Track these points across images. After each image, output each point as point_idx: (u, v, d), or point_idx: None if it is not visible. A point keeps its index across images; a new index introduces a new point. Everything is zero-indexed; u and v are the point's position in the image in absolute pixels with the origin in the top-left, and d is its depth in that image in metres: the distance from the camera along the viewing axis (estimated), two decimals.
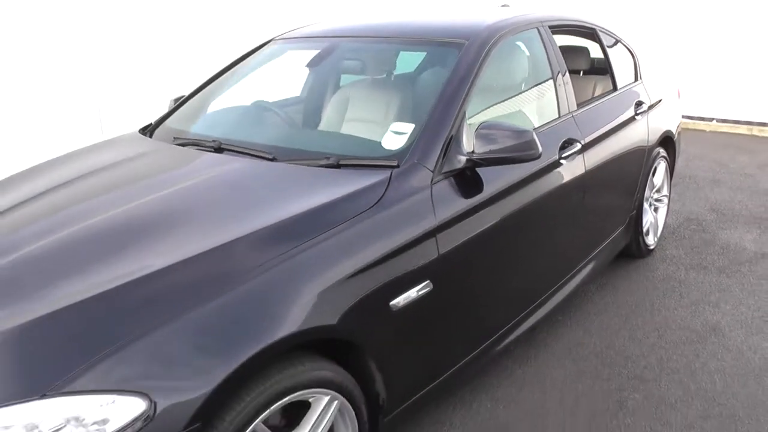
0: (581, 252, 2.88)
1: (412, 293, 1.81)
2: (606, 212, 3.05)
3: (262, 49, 3.12)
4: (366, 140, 2.27)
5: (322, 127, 2.55)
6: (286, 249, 1.59)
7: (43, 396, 1.27)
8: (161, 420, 1.30)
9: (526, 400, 2.43)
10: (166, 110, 3.09)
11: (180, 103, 2.98)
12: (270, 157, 2.14)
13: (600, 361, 2.68)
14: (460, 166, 2.04)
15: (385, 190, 1.86)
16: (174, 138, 2.55)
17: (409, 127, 2.12)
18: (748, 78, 6.62)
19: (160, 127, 2.81)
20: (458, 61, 2.30)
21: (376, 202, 1.81)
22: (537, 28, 2.76)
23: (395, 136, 2.11)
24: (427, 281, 1.86)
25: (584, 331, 2.91)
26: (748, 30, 6.54)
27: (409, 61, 2.79)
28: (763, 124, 6.57)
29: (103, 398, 1.28)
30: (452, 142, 2.05)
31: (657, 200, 3.75)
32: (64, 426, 1.25)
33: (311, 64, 2.90)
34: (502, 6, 3.93)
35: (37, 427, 1.25)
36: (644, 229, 3.56)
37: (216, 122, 2.76)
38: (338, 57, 2.80)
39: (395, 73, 2.79)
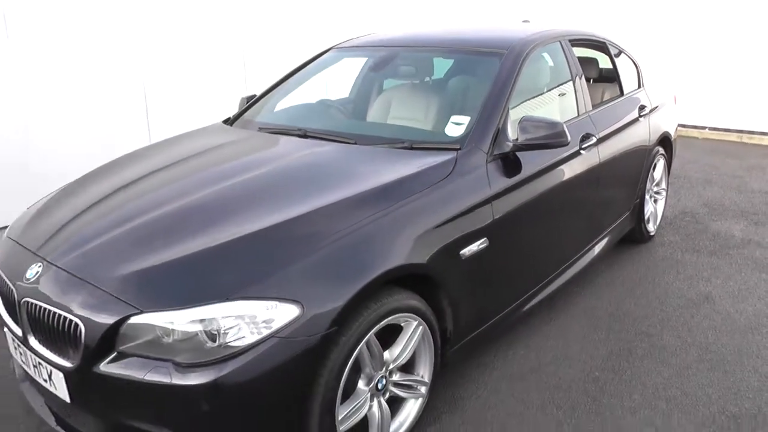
0: (597, 227, 3.41)
1: (474, 246, 2.32)
2: (616, 197, 3.58)
3: (322, 56, 3.64)
4: (432, 129, 2.79)
5: (387, 120, 3.05)
6: (388, 205, 2.11)
7: (227, 299, 1.76)
8: (309, 323, 1.79)
9: (553, 347, 2.94)
10: (237, 107, 3.62)
11: (254, 100, 3.49)
12: (352, 141, 2.66)
13: (611, 320, 3.19)
14: (507, 150, 2.56)
15: (454, 165, 2.38)
16: (259, 127, 3.06)
17: (465, 119, 2.64)
18: (738, 89, 7.20)
19: (240, 119, 3.33)
20: (500, 67, 2.83)
21: (448, 174, 2.33)
22: (559, 41, 3.30)
23: (455, 126, 2.63)
24: (485, 238, 2.37)
25: (596, 299, 3.43)
26: (739, 43, 7.12)
27: (455, 66, 3.32)
28: (752, 132, 7.15)
29: (269, 303, 1.76)
30: (500, 132, 2.57)
31: (656, 192, 4.28)
32: (242, 322, 1.74)
33: (374, 68, 3.42)
34: (524, 21, 4.48)
35: (217, 320, 1.72)
36: (646, 217, 4.09)
37: (290, 115, 3.27)
38: (396, 62, 3.32)
39: (444, 75, 3.31)
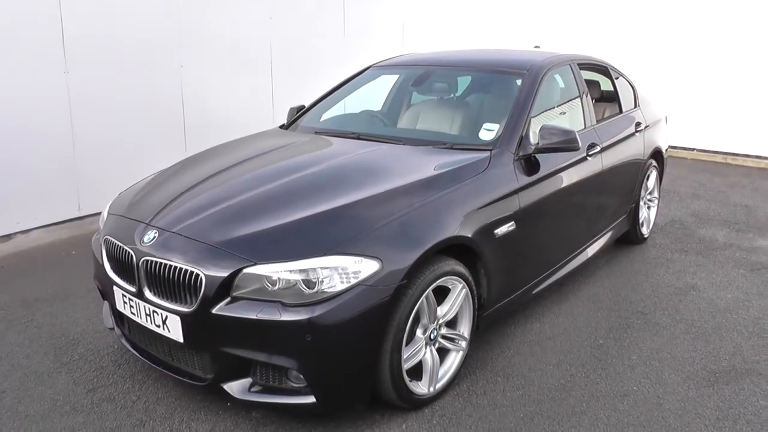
0: (600, 224, 3.98)
1: (505, 228, 2.88)
2: (615, 200, 4.16)
3: (362, 73, 4.22)
4: (467, 134, 3.37)
5: (425, 126, 3.62)
6: (443, 189, 2.67)
7: (324, 254, 2.28)
8: (386, 276, 2.31)
9: (563, 322, 3.48)
10: (287, 116, 4.18)
11: (304, 110, 4.06)
12: (401, 142, 3.23)
13: (611, 303, 3.74)
14: (529, 152, 3.13)
15: (489, 162, 2.95)
16: (315, 131, 3.63)
17: (495, 126, 3.22)
18: (724, 114, 7.85)
19: (294, 125, 3.89)
20: (522, 85, 3.42)
21: (485, 169, 2.90)
22: (570, 64, 3.90)
23: (487, 132, 3.21)
24: (513, 222, 2.93)
25: (598, 287, 3.98)
26: (726, 72, 7.79)
27: (482, 82, 3.90)
28: (735, 154, 7.79)
29: (356, 258, 2.29)
30: (524, 137, 3.15)
31: (650, 200, 4.87)
32: (335, 273, 2.25)
33: (415, 84, 4.00)
34: (535, 47, 5.09)
35: (316, 270, 2.23)
36: (640, 221, 4.67)
37: (339, 122, 3.84)
38: (431, 79, 3.91)
39: (473, 90, 3.89)
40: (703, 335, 3.36)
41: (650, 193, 4.85)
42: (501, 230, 2.85)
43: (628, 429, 2.54)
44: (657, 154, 4.79)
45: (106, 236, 2.73)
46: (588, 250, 3.90)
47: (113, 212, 2.92)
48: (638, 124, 4.47)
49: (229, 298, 2.27)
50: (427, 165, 2.90)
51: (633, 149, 4.31)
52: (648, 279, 4.12)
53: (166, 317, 2.38)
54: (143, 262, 2.46)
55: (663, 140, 4.92)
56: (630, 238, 4.65)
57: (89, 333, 3.34)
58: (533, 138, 3.18)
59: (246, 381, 2.34)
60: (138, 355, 2.71)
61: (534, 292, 3.34)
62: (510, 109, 3.28)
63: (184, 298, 2.35)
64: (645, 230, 4.80)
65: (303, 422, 2.52)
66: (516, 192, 2.98)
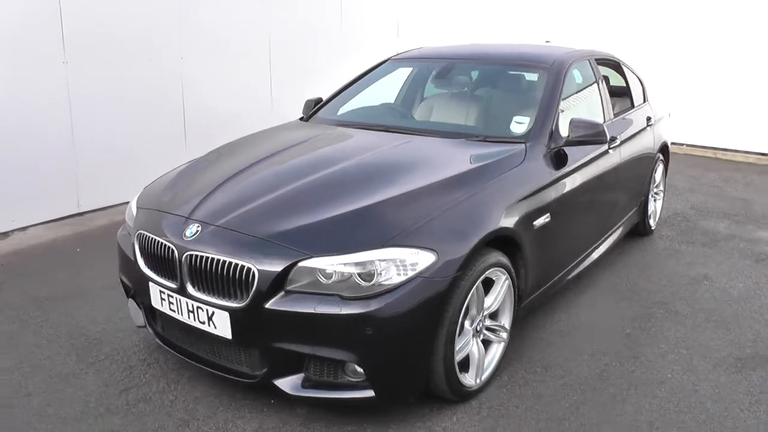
0: (617, 216, 4.03)
1: (542, 219, 2.88)
2: (631, 192, 4.21)
3: (380, 66, 4.18)
4: (498, 126, 3.37)
5: (453, 119, 3.59)
6: (486, 180, 2.66)
7: (382, 246, 2.25)
8: (442, 267, 2.29)
9: (588, 313, 3.51)
10: (303, 108, 4.12)
11: (323, 103, 4.01)
12: (432, 135, 3.22)
13: (631, 294, 3.79)
14: (560, 144, 3.14)
15: (525, 155, 2.95)
16: (339, 124, 3.59)
17: (525, 119, 3.23)
18: (711, 110, 8.02)
19: (314, 117, 3.85)
20: (548, 78, 3.43)
21: (522, 161, 2.90)
22: (588, 59, 3.93)
23: (518, 125, 3.21)
24: (548, 213, 2.94)
25: (615, 278, 4.02)
26: (713, 69, 7.96)
27: (507, 76, 3.90)
28: (725, 149, 7.97)
29: (414, 250, 2.26)
30: (555, 130, 3.16)
31: (656, 193, 4.95)
32: (392, 265, 2.21)
33: (438, 76, 3.97)
34: (546, 42, 5.11)
35: (374, 263, 2.19)
36: (649, 213, 4.74)
37: (363, 114, 3.81)
38: (456, 71, 3.90)
39: (498, 83, 3.89)
40: (723, 323, 3.42)
41: (657, 186, 4.92)
42: (538, 222, 2.86)
43: (671, 415, 2.57)
44: (664, 148, 4.87)
45: (140, 231, 2.64)
46: (607, 241, 3.94)
47: (144, 206, 2.83)
48: (649, 118, 4.53)
49: (282, 293, 2.22)
50: (465, 157, 2.88)
51: (645, 143, 4.37)
52: (662, 270, 4.19)
53: (213, 313, 2.32)
54: (187, 257, 2.38)
55: (668, 135, 5.00)
56: (639, 230, 4.71)
57: (110, 332, 3.25)
58: (563, 131, 3.20)
59: (298, 377, 2.30)
60: (175, 353, 2.64)
61: (562, 283, 3.36)
62: (539, 102, 3.29)
63: (233, 294, 2.29)
64: (652, 222, 4.87)
65: (351, 417, 2.49)
66: (550, 184, 2.99)
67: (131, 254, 2.71)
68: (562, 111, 3.35)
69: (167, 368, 2.88)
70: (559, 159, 3.15)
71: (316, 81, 6.83)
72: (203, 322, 2.36)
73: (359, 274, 2.19)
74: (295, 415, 2.50)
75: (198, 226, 2.44)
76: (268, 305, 2.21)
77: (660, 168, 4.87)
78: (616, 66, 4.49)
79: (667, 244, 4.70)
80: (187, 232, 2.43)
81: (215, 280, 2.33)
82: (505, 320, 2.78)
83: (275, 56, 6.51)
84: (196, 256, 2.36)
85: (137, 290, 2.74)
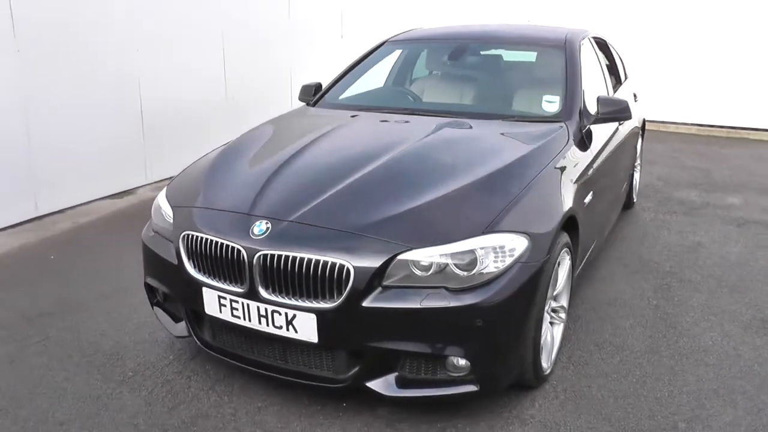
0: (622, 187, 4.14)
1: (588, 197, 2.89)
2: (627, 165, 4.34)
3: (378, 49, 4.03)
4: (528, 106, 3.33)
5: (478, 101, 3.50)
6: (545, 163, 2.60)
7: (482, 233, 2.14)
8: (535, 251, 2.21)
9: (610, 288, 3.57)
10: (299, 93, 3.90)
11: (328, 87, 3.81)
12: (465, 116, 3.13)
13: (639, 266, 3.90)
14: (590, 122, 3.15)
15: (568, 134, 2.93)
16: (359, 108, 3.45)
17: (555, 98, 3.21)
18: (653, 84, 8.44)
19: (320, 102, 3.65)
20: (567, 57, 3.43)
21: (568, 140, 2.88)
22: (588, 38, 3.96)
23: (549, 104, 3.19)
24: (592, 191, 2.94)
25: (619, 251, 4.13)
26: (659, 43, 8.35)
27: (521, 55, 3.87)
28: (665, 122, 8.42)
29: (511, 235, 2.17)
30: (584, 108, 3.17)
31: (635, 166, 5.12)
32: (491, 252, 2.11)
33: (451, 57, 3.87)
34: (527, 21, 5.10)
35: (475, 251, 2.09)
36: (634, 185, 4.91)
37: (380, 98, 3.68)
38: (469, 52, 3.82)
39: (514, 63, 3.85)
40: (735, 288, 3.60)
41: (637, 159, 5.10)
42: (587, 200, 2.86)
43: (729, 382, 2.66)
44: (643, 122, 5.04)
45: (187, 232, 2.39)
46: (616, 213, 4.04)
47: (182, 204, 2.56)
48: (635, 94, 4.67)
49: (380, 289, 2.07)
50: (518, 138, 2.84)
51: (635, 118, 4.49)
52: (658, 240, 4.35)
53: (294, 317, 2.13)
54: (260, 257, 2.17)
55: (644, 110, 5.18)
56: (625, 203, 4.87)
57: (127, 345, 2.95)
58: (590, 108, 3.21)
59: (391, 377, 2.17)
60: (233, 361, 2.43)
61: (590, 259, 3.39)
62: (563, 81, 3.28)
63: (321, 294, 2.11)
64: (634, 195, 5.05)
65: (436, 414, 2.38)
66: (592, 162, 3.00)
67: (171, 257, 2.44)
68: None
69: (212, 379, 2.65)
70: (589, 136, 3.16)
71: (266, 67, 6.61)
72: (279, 327, 2.17)
73: (458, 264, 2.08)
74: (376, 417, 2.37)
75: (267, 223, 2.23)
76: (365, 303, 2.06)
77: (640, 141, 5.04)
78: (604, 45, 4.57)
79: (652, 216, 4.89)
80: (255, 230, 2.22)
81: (297, 280, 2.13)
82: (565, 300, 2.77)
83: (228, 45, 6.17)
84: (272, 255, 2.15)
85: (181, 297, 2.48)
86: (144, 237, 2.69)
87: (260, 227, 2.22)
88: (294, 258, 2.12)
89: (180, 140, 5.70)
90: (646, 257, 4.04)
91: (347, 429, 2.31)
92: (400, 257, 2.08)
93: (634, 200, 5.04)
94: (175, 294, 2.51)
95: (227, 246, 2.24)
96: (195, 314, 2.50)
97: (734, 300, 3.44)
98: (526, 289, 2.17)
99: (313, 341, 2.14)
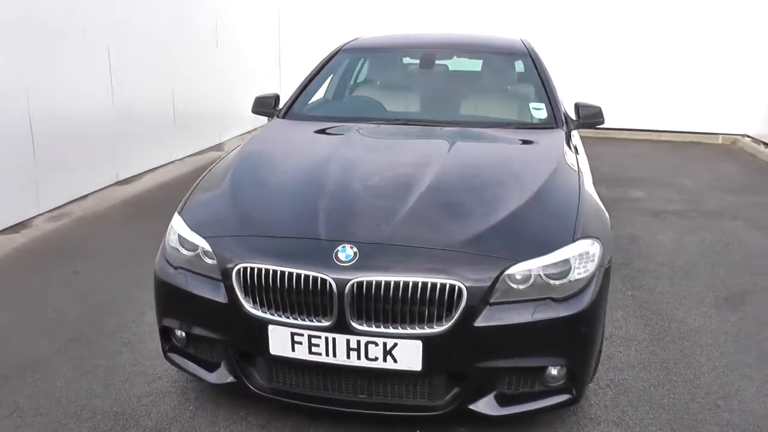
0: None
1: None
2: None
3: (334, 57, 3.89)
4: (519, 114, 3.42)
5: (464, 109, 3.51)
6: (573, 167, 2.69)
7: (573, 240, 2.13)
8: (604, 254, 2.22)
9: None
10: (252, 105, 3.65)
11: (293, 98, 3.60)
12: (465, 125, 3.16)
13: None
14: (573, 128, 3.33)
15: (568, 139, 3.06)
16: (342, 119, 3.34)
17: (541, 105, 3.34)
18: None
19: (291, 114, 3.47)
20: (533, 64, 3.60)
21: (572, 146, 3.01)
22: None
23: (537, 111, 3.30)
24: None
25: None
26: (568, 44, 8.90)
27: (486, 63, 3.95)
28: None
29: (590, 240, 2.18)
30: (566, 113, 3.34)
31: None
32: (580, 258, 2.11)
33: (422, 66, 3.83)
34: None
35: (569, 260, 2.08)
36: None
37: (361, 108, 3.60)
38: (435, 60, 3.82)
39: (480, 71, 3.92)
40: (689, 273, 3.96)
41: None
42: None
43: (737, 358, 2.91)
44: None
45: (245, 264, 2.07)
46: None
47: (221, 233, 2.23)
48: None
49: (488, 307, 1.99)
50: (537, 145, 2.93)
51: None
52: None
53: (393, 346, 1.97)
54: (352, 285, 1.97)
55: None
56: None
57: (129, 400, 2.53)
58: (573, 115, 3.39)
59: (491, 396, 2.09)
60: (295, 402, 2.18)
61: None
62: (542, 87, 3.44)
63: (426, 318, 1.97)
64: None
65: (517, 427, 2.35)
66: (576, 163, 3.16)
67: (216, 295, 2.12)
68: None
69: (256, 424, 2.36)
70: (573, 139, 3.33)
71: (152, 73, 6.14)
72: (374, 359, 1.99)
73: (550, 274, 2.07)
74: None
75: (352, 248, 2.03)
76: (477, 323, 1.96)
77: None
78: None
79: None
80: (341, 256, 2.01)
81: (398, 306, 1.97)
82: None
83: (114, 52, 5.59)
84: (368, 282, 1.97)
85: (232, 339, 2.17)
86: (160, 273, 2.31)
87: (346, 253, 2.02)
88: (395, 283, 1.97)
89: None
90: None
91: None
92: (509, 271, 2.02)
93: None
94: (220, 336, 2.19)
95: (307, 277, 2.00)
96: (242, 355, 2.21)
97: (694, 284, 3.81)
98: (605, 290, 2.23)
99: (415, 369, 2.00)
